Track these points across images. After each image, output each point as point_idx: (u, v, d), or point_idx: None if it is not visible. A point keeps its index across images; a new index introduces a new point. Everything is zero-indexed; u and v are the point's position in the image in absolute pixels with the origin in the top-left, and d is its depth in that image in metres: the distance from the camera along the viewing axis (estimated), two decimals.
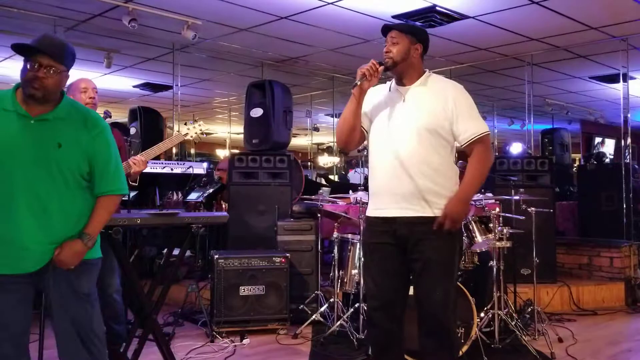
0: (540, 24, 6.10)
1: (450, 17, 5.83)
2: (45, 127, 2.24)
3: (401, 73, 2.69)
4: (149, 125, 7.02)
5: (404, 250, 2.63)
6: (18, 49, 2.20)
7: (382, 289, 2.68)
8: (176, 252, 3.54)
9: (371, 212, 2.74)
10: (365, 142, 2.85)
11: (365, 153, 4.22)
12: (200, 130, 3.88)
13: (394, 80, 2.77)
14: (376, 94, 2.76)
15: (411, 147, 2.58)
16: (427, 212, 2.58)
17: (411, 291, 2.75)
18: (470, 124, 2.62)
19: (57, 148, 2.23)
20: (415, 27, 2.79)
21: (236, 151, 8.10)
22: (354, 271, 4.44)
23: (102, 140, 2.36)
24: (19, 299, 2.27)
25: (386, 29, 2.71)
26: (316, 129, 12.15)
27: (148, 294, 3.10)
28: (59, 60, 2.23)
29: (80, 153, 2.29)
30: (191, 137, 3.88)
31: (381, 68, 2.61)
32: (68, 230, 2.30)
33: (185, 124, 3.95)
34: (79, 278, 2.34)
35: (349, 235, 4.60)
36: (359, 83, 2.59)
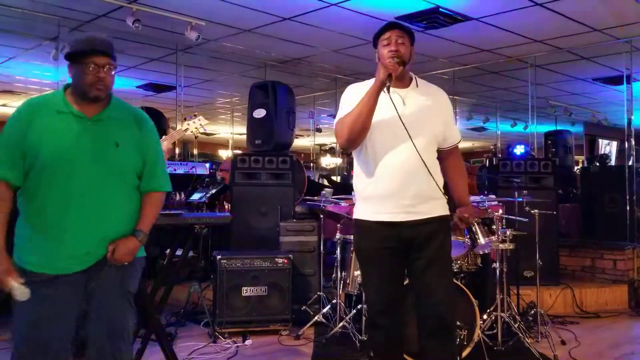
0: (543, 26, 6.10)
1: (453, 18, 5.83)
2: (102, 126, 2.25)
3: (402, 75, 2.63)
4: None
5: (405, 252, 2.62)
6: (75, 53, 2.19)
7: (384, 293, 2.67)
8: (179, 252, 3.55)
9: (370, 216, 2.63)
10: None
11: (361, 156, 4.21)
12: (200, 124, 3.85)
13: (374, 80, 2.64)
14: (362, 93, 2.59)
15: (421, 151, 2.55)
16: (432, 213, 2.60)
17: None
18: (454, 132, 2.78)
19: (115, 147, 2.24)
20: (411, 29, 2.74)
21: (239, 152, 8.10)
22: (357, 272, 4.42)
23: (152, 137, 2.40)
24: (72, 292, 2.25)
25: (391, 27, 2.63)
26: (319, 130, 12.16)
27: (151, 294, 3.11)
28: (113, 57, 2.25)
29: (135, 151, 2.31)
30: (191, 132, 3.86)
31: (401, 68, 2.54)
32: (124, 229, 2.31)
33: (185, 119, 3.94)
34: (130, 277, 2.36)
35: (351, 237, 4.60)
36: (388, 84, 2.47)
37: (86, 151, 2.20)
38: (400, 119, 2.54)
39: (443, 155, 2.76)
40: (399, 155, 2.56)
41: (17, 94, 10.59)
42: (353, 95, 2.61)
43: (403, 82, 2.67)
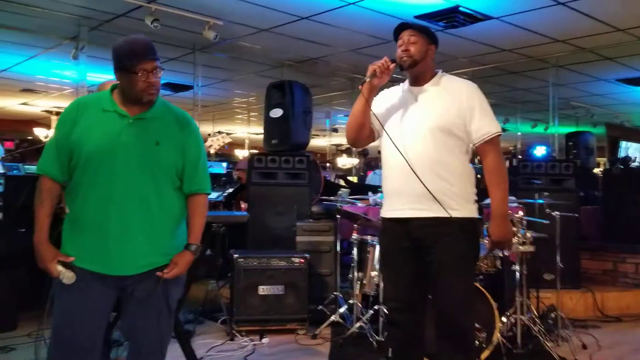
0: (566, 25, 6.01)
1: (473, 17, 5.77)
2: (143, 125, 2.26)
3: (417, 73, 2.65)
4: None
5: (421, 252, 2.59)
6: (121, 61, 2.19)
7: (401, 291, 2.65)
8: None
9: (386, 213, 2.71)
10: (377, 143, 2.82)
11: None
12: (224, 142, 3.91)
13: (407, 82, 2.73)
14: (389, 96, 2.73)
15: (424, 147, 2.54)
16: (442, 213, 2.52)
17: None
18: (483, 123, 2.59)
19: (156, 145, 2.25)
20: (429, 28, 2.75)
21: (255, 151, 8.11)
22: (374, 273, 4.40)
23: (193, 138, 2.38)
24: (96, 302, 2.25)
25: (402, 28, 2.66)
26: (335, 130, 12.14)
27: None
28: (158, 58, 2.25)
29: (175, 150, 2.31)
30: (214, 149, 3.92)
31: (392, 65, 2.56)
32: (168, 231, 2.31)
33: (210, 135, 3.95)
34: (173, 291, 2.35)
35: (369, 237, 4.57)
36: (368, 80, 2.54)
37: (127, 148, 2.21)
38: (409, 117, 2.59)
39: (479, 153, 2.65)
40: (405, 152, 2.55)
41: (38, 93, 10.72)
42: (377, 99, 2.68)
43: (421, 80, 2.66)
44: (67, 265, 2.20)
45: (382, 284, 4.23)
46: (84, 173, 2.21)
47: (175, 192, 2.34)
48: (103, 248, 2.20)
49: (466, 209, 2.58)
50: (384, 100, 2.71)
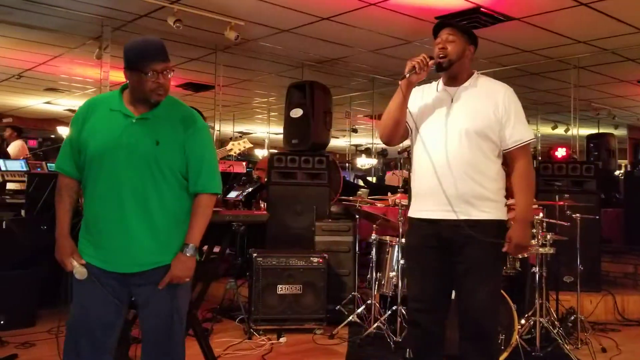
0: (588, 26, 5.95)
1: (494, 18, 5.74)
2: (145, 125, 2.28)
3: (453, 73, 2.62)
4: None
5: (448, 253, 2.58)
6: (132, 61, 2.22)
7: (425, 292, 2.64)
8: (216, 249, 3.58)
9: (414, 213, 2.69)
10: (407, 143, 2.81)
11: (405, 155, 4.19)
12: (244, 147, 3.96)
13: (440, 81, 2.70)
14: (423, 93, 2.69)
15: (459, 149, 2.52)
16: (473, 216, 2.52)
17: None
18: (517, 130, 2.57)
19: (155, 145, 2.26)
20: (469, 28, 2.72)
21: (276, 151, 8.15)
22: (392, 273, 4.41)
23: (197, 138, 2.36)
24: (109, 297, 2.29)
25: (441, 26, 2.63)
26: (354, 131, 12.13)
27: None
28: (169, 60, 2.27)
29: (178, 150, 2.31)
30: (234, 153, 3.97)
31: (432, 62, 2.53)
32: (171, 230, 2.31)
33: (231, 138, 4.01)
34: (180, 297, 2.36)
35: (387, 238, 4.58)
36: (407, 75, 2.51)
37: (127, 148, 2.24)
38: (443, 117, 2.57)
39: (508, 159, 2.61)
40: (437, 154, 2.55)
41: (61, 92, 10.89)
42: (411, 97, 2.63)
43: (457, 80, 2.63)
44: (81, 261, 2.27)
45: (400, 284, 4.24)
46: (89, 171, 2.27)
47: (180, 192, 2.33)
48: (105, 245, 2.26)
49: (497, 212, 2.57)
50: (418, 98, 2.67)
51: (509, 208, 2.69)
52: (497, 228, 2.57)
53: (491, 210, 2.55)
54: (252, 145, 4.11)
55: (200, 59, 7.92)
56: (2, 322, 4.20)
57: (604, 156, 8.71)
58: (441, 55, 2.55)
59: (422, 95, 2.69)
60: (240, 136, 4.14)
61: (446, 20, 2.69)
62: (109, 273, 2.27)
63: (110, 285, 2.29)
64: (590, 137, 9.06)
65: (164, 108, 2.33)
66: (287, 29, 6.50)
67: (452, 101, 2.60)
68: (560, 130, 10.99)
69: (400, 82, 2.56)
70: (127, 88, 2.32)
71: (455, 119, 2.57)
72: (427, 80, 2.69)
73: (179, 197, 2.34)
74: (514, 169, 2.60)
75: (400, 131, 2.67)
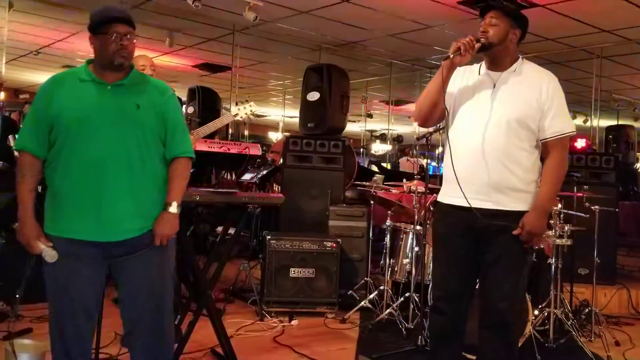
0: (613, 15, 5.83)
1: (518, 4, 5.64)
2: (122, 90, 2.31)
3: (495, 57, 2.54)
4: (207, 105, 7.10)
5: (476, 242, 2.54)
6: (96, 24, 2.26)
7: (449, 280, 2.62)
8: (231, 230, 3.59)
9: (445, 198, 2.63)
10: (430, 129, 2.77)
11: (424, 141, 4.14)
12: (251, 111, 3.83)
13: (483, 64, 2.61)
14: (463, 75, 2.61)
15: (496, 137, 2.46)
16: (505, 206, 2.47)
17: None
18: (558, 121, 2.49)
19: (137, 109, 2.29)
20: (517, 10, 2.62)
21: (291, 134, 8.12)
22: (405, 260, 4.39)
23: (173, 102, 2.44)
24: (94, 269, 2.31)
25: (486, 9, 2.55)
26: (370, 116, 12.05)
27: (203, 270, 3.15)
28: (132, 25, 2.31)
29: (156, 114, 2.34)
30: (241, 117, 3.83)
31: (478, 45, 2.44)
32: (153, 196, 2.34)
33: (236, 104, 3.91)
34: (165, 261, 2.40)
35: (402, 224, 4.55)
36: (452, 56, 2.42)
37: (107, 113, 2.25)
38: (484, 103, 2.50)
39: (544, 148, 2.54)
40: (474, 139, 2.49)
41: None
42: (453, 76, 2.56)
43: (500, 64, 2.55)
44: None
45: (414, 272, 4.23)
46: (65, 142, 2.24)
47: (159, 159, 2.36)
48: (89, 214, 2.23)
49: (529, 204, 2.52)
50: (458, 80, 2.60)
51: None
52: None
53: (523, 201, 2.50)
54: (258, 109, 3.99)
55: (217, 40, 7.89)
56: (17, 295, 4.24)
57: (623, 148, 8.60)
58: (482, 38, 2.47)
59: (462, 77, 2.61)
60: (247, 100, 4.02)
61: (492, 2, 2.59)
62: (89, 243, 2.24)
63: (89, 257, 2.27)
64: (609, 129, 8.94)
65: (135, 77, 2.36)
66: (305, 11, 6.44)
67: (494, 86, 2.52)
68: (578, 121, 10.85)
69: (442, 62, 2.47)
70: (93, 62, 2.33)
71: (497, 105, 2.49)
72: (469, 62, 2.59)
73: (159, 164, 2.37)
74: (548, 160, 2.53)
75: (437, 113, 2.59)
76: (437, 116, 2.61)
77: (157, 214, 2.34)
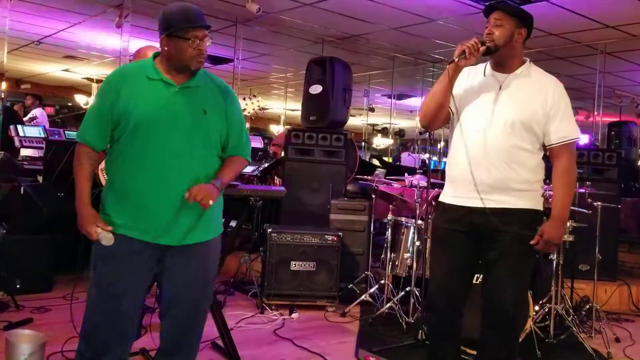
0: (618, 11, 5.81)
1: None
2: (190, 94, 2.26)
3: (501, 58, 2.53)
4: None
5: (477, 240, 2.54)
6: (175, 27, 2.17)
7: (447, 277, 2.61)
8: (232, 223, 3.58)
9: (448, 199, 2.63)
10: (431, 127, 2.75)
11: (426, 136, 4.13)
12: (258, 106, 3.81)
13: (488, 64, 2.60)
14: (468, 75, 2.60)
15: (501, 139, 2.46)
16: (508, 204, 2.47)
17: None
18: (564, 126, 2.49)
19: (204, 114, 2.25)
20: (521, 9, 2.59)
21: (293, 127, 8.11)
22: (407, 255, 4.39)
23: (236, 106, 2.41)
24: (144, 264, 2.27)
25: (490, 9, 2.53)
26: (371, 110, 12.02)
27: None
28: (209, 26, 2.23)
29: (221, 118, 2.31)
30: (248, 112, 3.81)
31: (483, 48, 2.44)
32: (214, 205, 2.28)
33: (244, 98, 3.87)
34: (213, 264, 2.39)
35: (403, 219, 4.55)
36: (456, 60, 2.42)
37: (177, 117, 2.21)
38: (489, 104, 2.49)
39: (550, 155, 2.55)
40: (479, 140, 2.49)
41: (80, 60, 10.89)
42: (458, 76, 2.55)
43: (506, 67, 2.54)
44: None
45: (415, 266, 4.22)
46: (132, 141, 2.20)
47: (219, 160, 2.35)
48: (149, 215, 2.21)
49: (532, 201, 2.53)
50: (463, 80, 2.59)
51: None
52: (531, 217, 2.52)
53: (527, 199, 2.51)
54: (266, 104, 3.99)
55: (220, 31, 7.85)
56: (18, 286, 4.25)
57: (625, 145, 8.58)
58: (488, 40, 2.46)
59: (467, 78, 2.60)
60: (255, 95, 3.98)
61: (495, 3, 2.57)
62: (144, 243, 2.22)
63: (140, 257, 2.24)
64: (611, 125, 8.91)
65: (201, 78, 2.31)
66: (309, 3, 6.41)
67: (500, 88, 2.52)
68: (580, 117, 10.83)
69: (447, 66, 2.47)
70: (158, 57, 2.27)
71: (502, 107, 2.49)
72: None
73: (219, 162, 2.35)
74: (556, 166, 2.52)
75: (442, 116, 2.59)
76: (442, 119, 2.61)
77: (214, 225, 2.36)
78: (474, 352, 3.16)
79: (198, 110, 2.25)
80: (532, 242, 2.46)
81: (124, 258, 2.22)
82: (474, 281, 2.72)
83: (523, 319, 3.02)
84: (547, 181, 4.35)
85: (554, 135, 2.49)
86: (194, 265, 2.30)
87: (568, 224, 4.01)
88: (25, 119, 8.33)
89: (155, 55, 2.29)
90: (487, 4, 2.57)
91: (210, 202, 2.21)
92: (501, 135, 2.46)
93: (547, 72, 2.60)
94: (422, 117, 2.63)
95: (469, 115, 2.55)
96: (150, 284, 2.41)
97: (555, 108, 2.48)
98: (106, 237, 2.18)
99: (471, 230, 2.53)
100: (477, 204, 2.48)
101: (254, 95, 3.93)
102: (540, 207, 2.57)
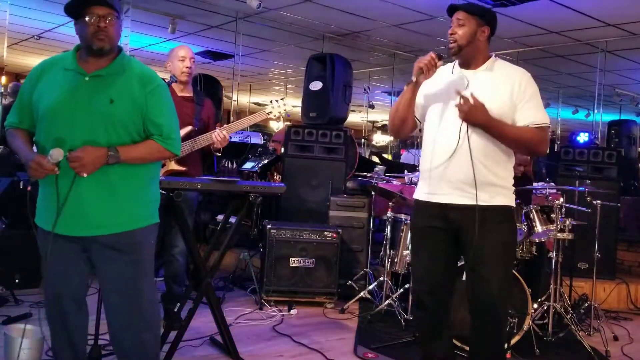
0: (619, 9, 5.80)
1: None
2: (98, 83, 2.21)
3: (466, 57, 2.58)
4: (208, 92, 7.04)
5: (455, 236, 2.57)
6: (72, 7, 2.18)
7: (431, 273, 2.64)
8: (232, 219, 3.57)
9: (422, 196, 2.66)
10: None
11: (421, 134, 4.12)
12: (285, 110, 3.76)
13: (456, 63, 2.65)
14: (438, 75, 2.62)
15: (473, 134, 2.47)
16: (481, 200, 2.48)
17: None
18: (530, 112, 2.51)
19: (109, 104, 2.19)
20: (483, 8, 2.64)
21: (293, 123, 8.09)
22: (406, 252, 4.38)
23: (156, 95, 2.28)
24: (77, 257, 2.29)
25: (453, 9, 2.59)
26: (372, 107, 12.02)
27: (204, 258, 3.15)
28: (112, 6, 2.18)
29: (134, 108, 2.23)
30: (274, 116, 3.76)
31: (440, 63, 2.51)
32: (130, 192, 2.26)
33: (271, 101, 3.80)
34: (145, 273, 2.36)
35: (403, 216, 4.55)
36: (414, 79, 2.52)
37: (78, 107, 2.16)
38: (456, 101, 2.49)
39: None
40: (450, 137, 2.51)
41: None
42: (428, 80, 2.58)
43: (472, 63, 2.59)
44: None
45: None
46: (40, 132, 2.23)
47: None
48: (56, 208, 2.17)
49: (505, 198, 2.57)
50: (432, 80, 2.62)
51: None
52: (505, 213, 2.56)
53: (499, 196, 2.54)
54: (292, 108, 3.95)
55: (220, 27, 7.84)
56: (17, 280, 4.25)
57: (625, 143, 8.57)
58: (451, 41, 2.54)
59: (437, 77, 2.62)
60: (282, 99, 3.90)
61: (455, 3, 2.61)
62: (69, 238, 2.22)
63: (67, 248, 2.25)
64: (611, 124, 8.90)
65: (119, 65, 2.25)
66: None
67: (467, 85, 2.55)
68: (580, 115, 10.82)
69: (405, 87, 2.58)
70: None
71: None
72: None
73: None
74: None
75: (407, 127, 2.70)
76: (408, 129, 2.72)
77: (136, 213, 2.28)
78: (467, 347, 3.17)
79: (103, 100, 2.18)
80: (456, 104, 2.44)
81: (52, 252, 2.19)
82: (463, 278, 2.73)
83: (508, 311, 3.06)
84: (548, 180, 4.40)
85: (521, 121, 2.50)
86: (115, 258, 2.26)
87: (567, 222, 4.01)
88: None
89: (79, 47, 2.28)
90: (450, 4, 2.62)
91: (84, 174, 2.12)
92: (473, 131, 2.48)
93: (513, 65, 2.66)
94: (390, 129, 2.82)
95: (439, 113, 2.58)
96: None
97: (521, 96, 2.50)
98: (55, 153, 2.09)
99: (448, 226, 2.56)
100: (452, 200, 2.53)
101: (281, 99, 3.85)
102: (512, 204, 2.60)
